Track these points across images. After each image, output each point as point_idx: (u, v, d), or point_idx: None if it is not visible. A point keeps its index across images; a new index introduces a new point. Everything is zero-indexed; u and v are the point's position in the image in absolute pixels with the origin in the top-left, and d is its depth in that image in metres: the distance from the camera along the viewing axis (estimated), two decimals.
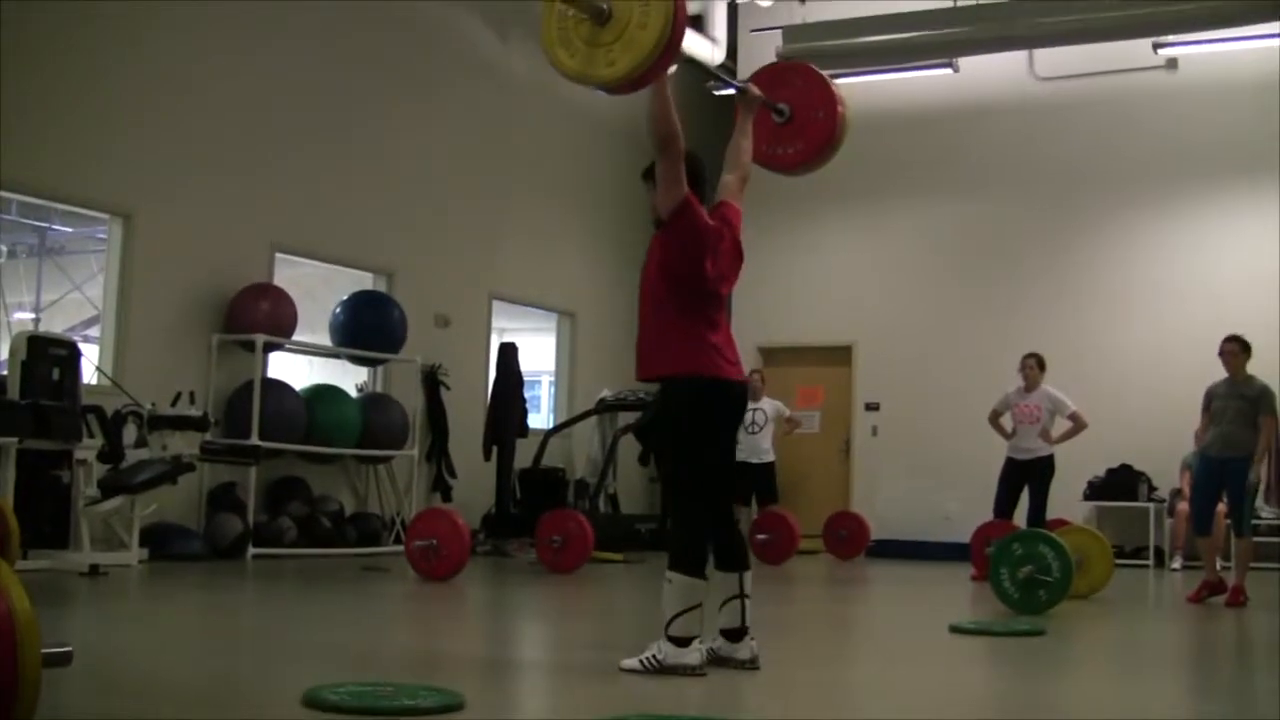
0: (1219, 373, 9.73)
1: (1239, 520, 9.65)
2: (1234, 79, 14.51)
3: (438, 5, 13.88)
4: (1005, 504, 11.18)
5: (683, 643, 5.05)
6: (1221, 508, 9.89)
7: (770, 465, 13.08)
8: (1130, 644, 7.69)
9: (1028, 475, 11.08)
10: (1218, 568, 9.78)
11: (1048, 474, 11.05)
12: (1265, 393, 9.50)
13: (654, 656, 5.07)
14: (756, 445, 12.87)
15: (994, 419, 11.50)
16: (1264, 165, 14.23)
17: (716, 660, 5.25)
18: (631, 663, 5.11)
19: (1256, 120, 14.29)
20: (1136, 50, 14.32)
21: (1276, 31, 13.22)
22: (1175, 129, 14.86)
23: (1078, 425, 11.13)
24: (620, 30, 4.65)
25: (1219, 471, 9.52)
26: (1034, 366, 11.29)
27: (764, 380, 13.57)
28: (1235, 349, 9.65)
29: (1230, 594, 9.35)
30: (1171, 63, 14.76)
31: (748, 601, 5.26)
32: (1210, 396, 9.69)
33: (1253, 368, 9.68)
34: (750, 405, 13.07)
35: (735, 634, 5.26)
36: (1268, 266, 14.10)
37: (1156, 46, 14.24)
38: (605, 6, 4.65)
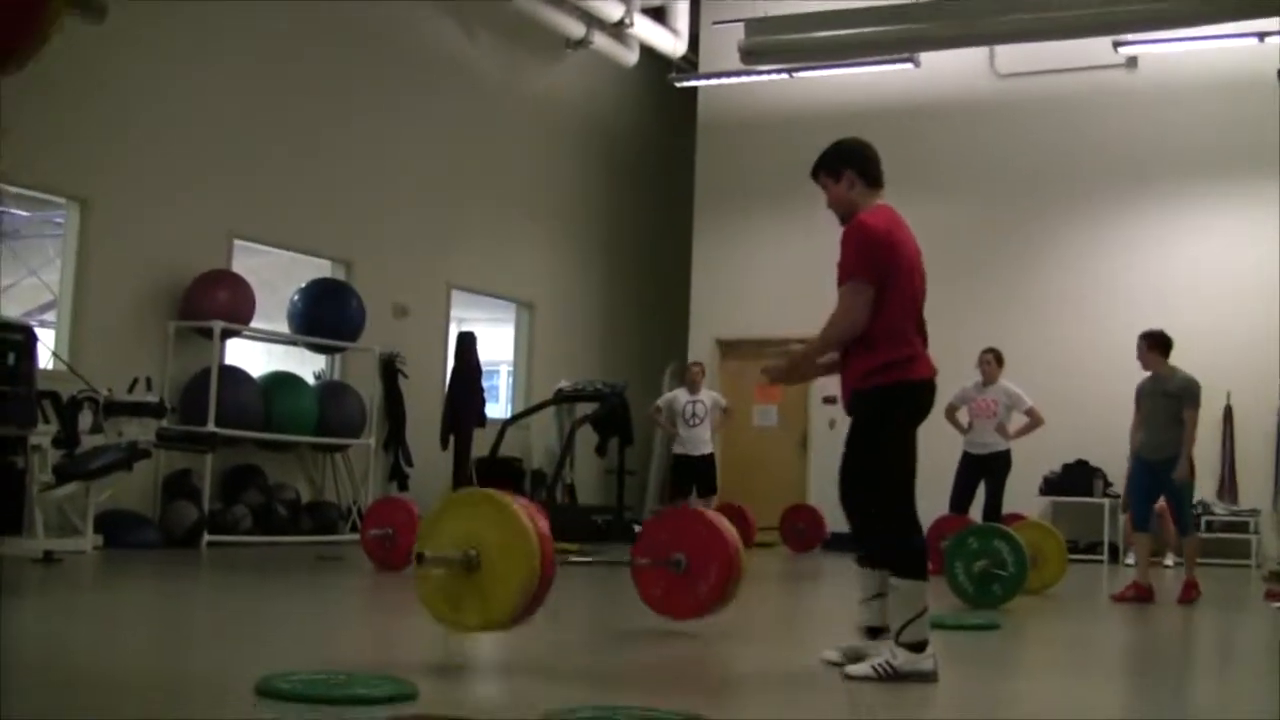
0: None
1: (1183, 520, 9.74)
2: (1193, 78, 14.61)
3: (401, 1, 13.81)
4: (961, 499, 11.20)
5: (918, 648, 5.01)
6: (1166, 508, 9.92)
7: (710, 457, 13.05)
8: (1083, 640, 7.74)
9: (984, 470, 11.10)
10: (1165, 564, 9.84)
11: (1004, 469, 11.08)
12: (1187, 386, 9.35)
13: (888, 663, 4.99)
14: (697, 437, 12.88)
15: (950, 413, 11.50)
16: (1222, 165, 14.36)
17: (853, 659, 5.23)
18: (863, 669, 5.02)
19: (1215, 120, 14.42)
20: (1097, 48, 14.39)
21: (1235, 32, 13.32)
22: (1134, 127, 14.95)
23: (1034, 421, 11.16)
24: (482, 591, 4.89)
25: (1153, 473, 9.47)
26: (992, 361, 11.31)
27: (703, 372, 13.60)
28: (1143, 345, 9.50)
29: (1183, 590, 9.39)
30: (1131, 61, 14.85)
31: (887, 600, 5.21)
32: (1139, 394, 9.64)
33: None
34: (689, 398, 13.10)
35: (875, 632, 5.24)
36: (1222, 266, 14.24)
37: (1116, 45, 14.32)
38: (474, 554, 4.85)
